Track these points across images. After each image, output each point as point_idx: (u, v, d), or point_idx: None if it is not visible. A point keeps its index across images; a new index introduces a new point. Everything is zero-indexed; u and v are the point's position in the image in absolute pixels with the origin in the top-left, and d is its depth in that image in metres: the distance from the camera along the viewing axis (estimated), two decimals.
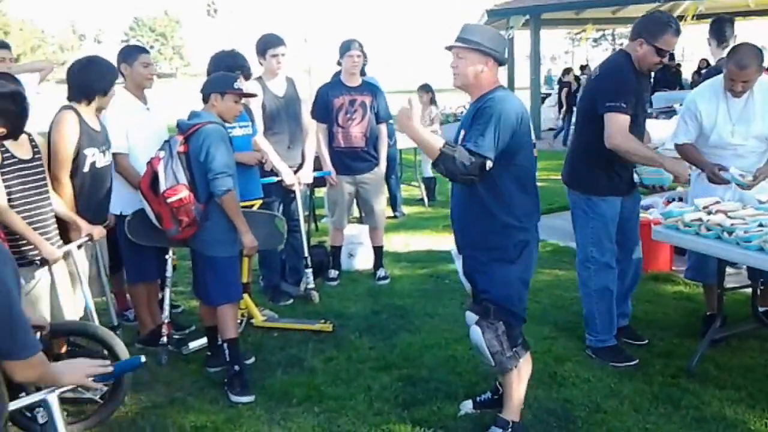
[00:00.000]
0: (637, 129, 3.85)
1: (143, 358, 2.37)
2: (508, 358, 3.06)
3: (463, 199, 3.13)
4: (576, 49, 60.40)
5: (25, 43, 56.96)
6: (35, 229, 3.30)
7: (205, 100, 3.88)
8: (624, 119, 3.70)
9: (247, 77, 4.69)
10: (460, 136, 3.05)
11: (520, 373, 3.14)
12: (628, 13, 18.51)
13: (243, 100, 4.07)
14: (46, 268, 3.39)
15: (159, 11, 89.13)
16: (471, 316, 3.18)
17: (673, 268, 5.53)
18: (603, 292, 4.02)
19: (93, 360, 2.29)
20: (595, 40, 62.54)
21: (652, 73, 4.05)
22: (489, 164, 2.88)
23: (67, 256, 3.52)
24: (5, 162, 3.20)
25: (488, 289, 3.08)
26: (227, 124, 3.96)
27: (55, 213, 3.50)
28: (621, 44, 68.51)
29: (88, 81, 3.79)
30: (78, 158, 3.70)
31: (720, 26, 4.85)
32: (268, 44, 5.11)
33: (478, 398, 3.52)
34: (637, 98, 3.80)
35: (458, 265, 3.27)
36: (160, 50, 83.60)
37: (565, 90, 15.74)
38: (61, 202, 3.60)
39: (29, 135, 3.37)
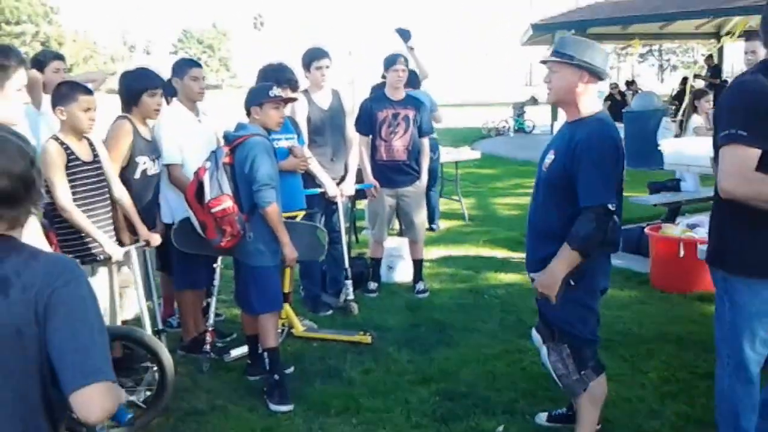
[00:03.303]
0: None
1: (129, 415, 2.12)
2: (575, 381, 2.98)
3: (537, 220, 3.04)
4: (622, 65, 59.71)
5: (78, 54, 58.58)
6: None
7: (248, 113, 3.97)
8: (743, 153, 2.42)
9: (294, 89, 4.76)
10: (549, 159, 2.94)
11: (592, 396, 3.03)
12: (675, 28, 18.22)
13: (289, 112, 4.12)
14: (107, 267, 3.56)
15: (207, 24, 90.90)
16: (535, 335, 3.17)
17: None
18: (730, 409, 2.75)
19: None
20: (641, 56, 61.75)
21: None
22: (611, 206, 2.74)
23: (126, 257, 3.67)
24: (70, 163, 3.44)
25: (548, 311, 3.02)
26: (273, 136, 4.03)
27: (121, 213, 3.77)
28: (668, 60, 67.46)
29: (123, 92, 4.03)
30: (129, 165, 3.87)
31: None
32: (312, 57, 5.18)
33: (553, 412, 3.50)
34: None
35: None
36: (207, 62, 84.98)
37: (607, 104, 15.63)
38: (130, 203, 3.80)
39: (89, 140, 3.62)
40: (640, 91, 18.03)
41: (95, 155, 3.62)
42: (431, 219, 8.13)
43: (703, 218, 5.64)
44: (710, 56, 18.11)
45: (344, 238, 5.39)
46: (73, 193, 3.47)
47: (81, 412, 1.54)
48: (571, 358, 2.95)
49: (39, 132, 4.38)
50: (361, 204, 6.57)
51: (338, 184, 5.25)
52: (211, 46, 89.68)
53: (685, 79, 18.30)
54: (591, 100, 2.91)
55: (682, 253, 5.28)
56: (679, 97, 17.48)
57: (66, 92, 3.48)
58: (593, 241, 2.77)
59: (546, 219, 2.99)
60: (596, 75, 2.86)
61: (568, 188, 2.83)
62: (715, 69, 17.41)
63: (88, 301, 1.58)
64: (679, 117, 8.40)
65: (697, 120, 8.12)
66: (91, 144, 3.63)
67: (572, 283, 2.88)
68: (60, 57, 4.96)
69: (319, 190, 5.09)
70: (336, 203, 5.23)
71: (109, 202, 3.68)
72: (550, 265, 2.84)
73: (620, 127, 3.58)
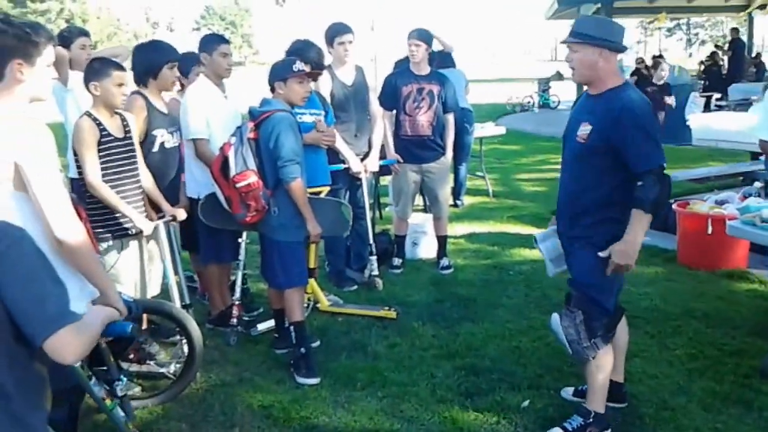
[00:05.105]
0: None
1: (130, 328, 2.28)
2: (584, 347, 3.04)
3: (573, 190, 3.12)
4: (649, 39, 58.72)
5: (102, 31, 58.79)
6: (127, 203, 3.59)
7: (273, 89, 3.97)
8: None
9: (320, 66, 4.73)
10: (584, 131, 2.99)
11: (599, 364, 3.10)
12: (703, 1, 17.80)
13: (315, 88, 4.11)
14: (137, 241, 3.66)
15: (229, 0, 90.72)
16: (555, 319, 3.19)
17: (749, 266, 5.35)
18: None
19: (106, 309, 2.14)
20: (668, 30, 60.60)
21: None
22: (665, 164, 2.88)
23: (155, 232, 3.73)
24: (102, 139, 3.49)
25: (574, 275, 3.13)
26: (297, 111, 4.03)
27: (143, 190, 3.78)
28: (696, 34, 66.12)
29: (138, 65, 4.03)
30: (147, 139, 3.92)
31: None
32: (335, 32, 5.16)
33: (579, 387, 3.51)
34: None
35: (542, 249, 3.30)
36: (229, 39, 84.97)
37: (634, 78, 15.36)
38: (151, 180, 3.84)
39: (121, 115, 3.66)
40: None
41: (127, 131, 3.66)
42: (457, 194, 8.09)
43: (732, 194, 5.56)
44: (735, 29, 17.73)
45: (368, 214, 5.39)
46: (105, 169, 3.51)
47: (56, 358, 1.63)
48: (583, 324, 3.03)
49: (66, 108, 4.44)
50: (385, 180, 6.57)
51: (362, 160, 5.25)
52: (234, 23, 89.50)
53: (712, 54, 17.96)
54: (614, 73, 3.03)
55: (710, 229, 5.23)
56: (707, 71, 17.19)
57: (99, 68, 3.52)
58: (662, 201, 2.92)
59: (583, 191, 3.05)
60: (615, 49, 2.99)
61: (611, 158, 2.93)
62: (735, 42, 17.05)
63: (34, 257, 1.64)
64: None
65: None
66: (123, 120, 3.67)
67: (600, 254, 2.96)
68: (86, 33, 4.99)
69: (343, 166, 5.09)
70: (360, 179, 5.24)
71: (139, 177, 3.72)
72: (627, 236, 2.90)
73: None
